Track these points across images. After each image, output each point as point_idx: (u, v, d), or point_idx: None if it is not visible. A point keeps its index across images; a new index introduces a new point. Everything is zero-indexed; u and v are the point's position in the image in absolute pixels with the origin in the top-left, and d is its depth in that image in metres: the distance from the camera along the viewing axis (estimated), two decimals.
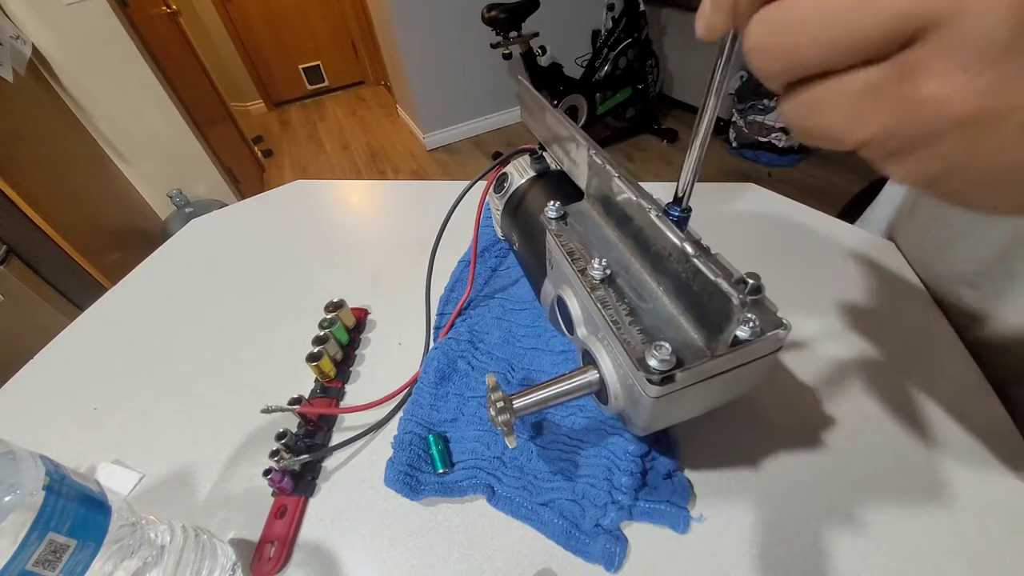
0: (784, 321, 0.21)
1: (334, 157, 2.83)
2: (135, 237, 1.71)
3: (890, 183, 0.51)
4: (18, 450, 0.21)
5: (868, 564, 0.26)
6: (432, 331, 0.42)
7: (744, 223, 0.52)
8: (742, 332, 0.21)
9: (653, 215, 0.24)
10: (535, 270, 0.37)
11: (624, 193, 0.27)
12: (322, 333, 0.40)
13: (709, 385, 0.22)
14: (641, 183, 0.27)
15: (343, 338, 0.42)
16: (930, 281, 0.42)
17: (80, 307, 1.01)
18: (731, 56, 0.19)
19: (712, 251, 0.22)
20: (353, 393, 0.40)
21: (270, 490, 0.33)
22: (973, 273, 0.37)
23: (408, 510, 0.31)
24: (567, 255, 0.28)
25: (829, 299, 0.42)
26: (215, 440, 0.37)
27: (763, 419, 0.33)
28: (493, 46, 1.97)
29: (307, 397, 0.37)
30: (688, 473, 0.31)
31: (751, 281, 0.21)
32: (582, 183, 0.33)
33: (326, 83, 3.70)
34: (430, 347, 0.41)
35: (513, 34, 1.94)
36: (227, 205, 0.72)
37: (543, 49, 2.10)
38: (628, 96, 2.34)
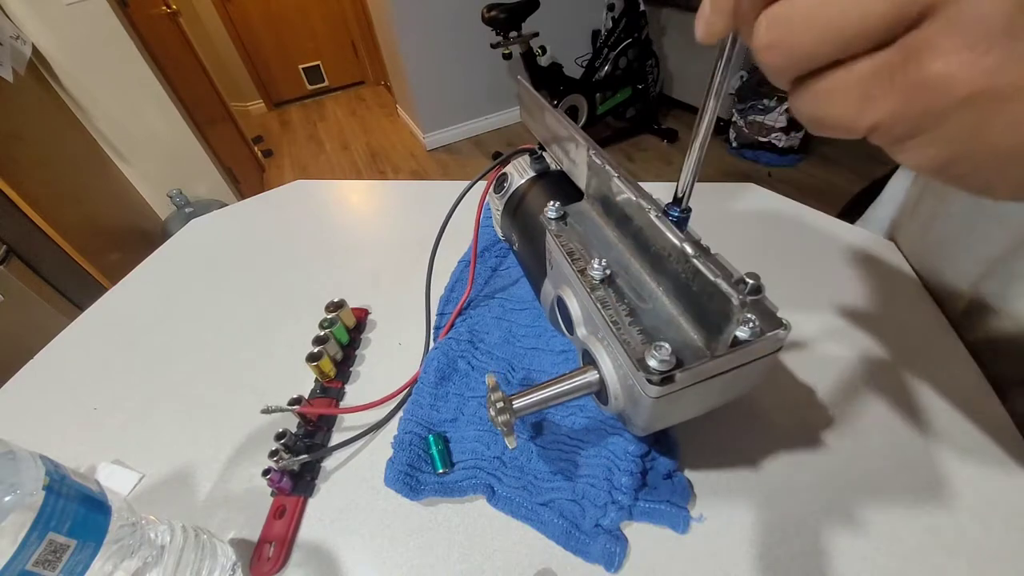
0: (784, 321, 0.21)
1: (334, 157, 2.83)
2: (135, 237, 1.71)
3: (892, 182, 0.51)
4: (18, 450, 0.21)
5: (868, 564, 0.26)
6: (432, 331, 0.42)
7: (744, 223, 0.52)
8: (742, 332, 0.21)
9: (653, 215, 0.24)
10: (535, 270, 0.37)
11: (624, 193, 0.27)
12: (322, 333, 0.40)
13: (709, 385, 0.22)
14: (641, 183, 0.27)
15: (343, 338, 0.42)
16: (931, 281, 0.42)
17: (80, 307, 1.01)
18: (731, 56, 0.19)
19: (712, 251, 0.22)
20: (353, 393, 0.39)
21: (269, 490, 0.33)
22: (974, 273, 0.37)
23: (408, 510, 0.31)
24: (567, 255, 0.28)
25: (829, 299, 0.42)
26: (215, 440, 0.37)
27: (763, 419, 0.33)
28: (493, 46, 1.97)
29: (307, 397, 0.37)
30: (688, 473, 0.31)
31: (751, 281, 0.21)
32: (582, 183, 0.33)
33: (326, 83, 3.70)
34: (430, 347, 0.41)
35: (513, 34, 1.94)
36: (227, 205, 0.72)
37: (543, 49, 2.10)
38: (628, 96, 2.34)
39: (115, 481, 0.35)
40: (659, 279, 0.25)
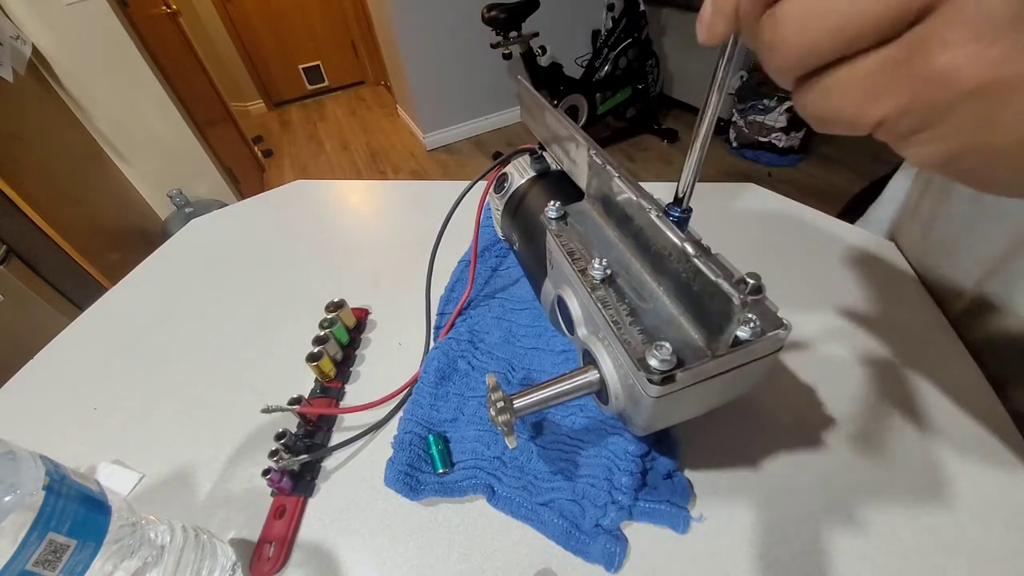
0: (785, 321, 0.21)
1: (334, 157, 2.83)
2: (135, 237, 1.71)
3: (892, 182, 0.51)
4: (18, 450, 0.21)
5: (868, 564, 0.26)
6: (432, 331, 0.42)
7: (744, 223, 0.52)
8: (743, 332, 0.21)
9: (653, 215, 0.24)
10: (535, 270, 0.37)
11: (624, 193, 0.27)
12: (322, 333, 0.40)
13: (709, 385, 0.22)
14: (641, 183, 0.27)
15: (343, 338, 0.42)
16: (931, 280, 0.42)
17: (80, 307, 1.01)
18: (732, 56, 0.19)
19: (712, 251, 0.22)
20: (353, 393, 0.39)
21: (269, 490, 0.33)
22: (977, 272, 0.37)
23: (408, 510, 0.31)
24: (567, 255, 0.28)
25: (829, 299, 0.42)
26: (215, 440, 0.37)
27: (763, 419, 0.33)
28: (493, 46, 1.97)
29: (307, 397, 0.37)
30: (688, 473, 0.31)
31: (751, 281, 0.21)
32: (582, 183, 0.33)
33: (326, 83, 3.70)
34: (430, 347, 0.41)
35: (513, 34, 1.94)
36: (227, 205, 0.72)
37: (543, 49, 2.10)
38: (628, 96, 2.34)
39: (115, 481, 0.35)
40: (660, 279, 0.25)
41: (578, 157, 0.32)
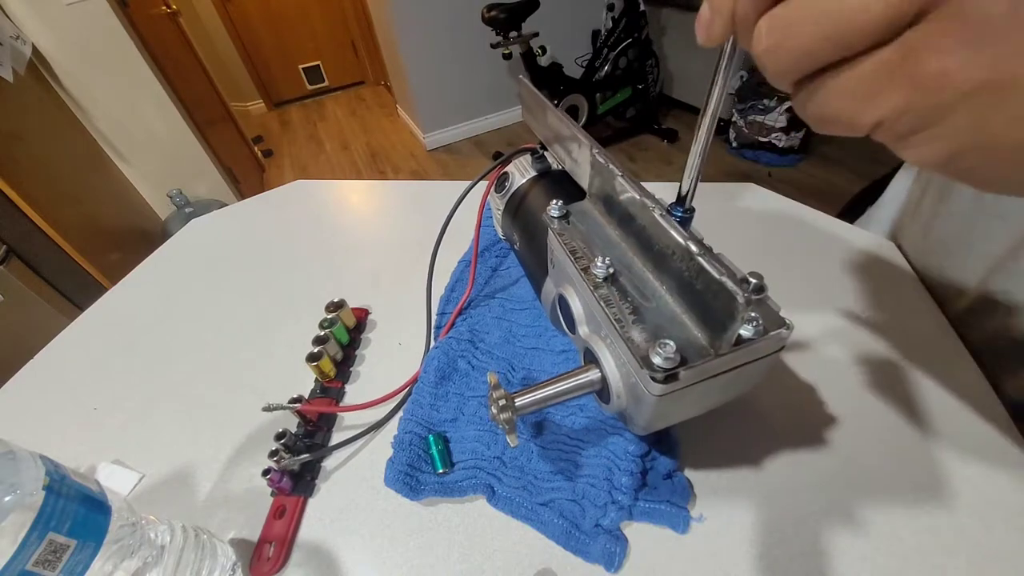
0: (787, 321, 0.21)
1: (334, 157, 2.83)
2: (135, 237, 1.71)
3: (893, 183, 0.51)
4: (18, 450, 0.21)
5: (868, 564, 0.26)
6: (433, 330, 0.42)
7: (744, 223, 0.52)
8: (745, 331, 0.21)
9: (657, 214, 0.24)
10: (536, 269, 0.37)
11: (627, 192, 0.27)
12: (322, 333, 0.40)
13: (712, 384, 0.22)
14: (642, 183, 0.27)
15: (343, 338, 0.42)
16: (932, 280, 0.42)
17: (80, 307, 1.01)
18: (732, 56, 0.19)
19: (714, 251, 0.22)
20: (353, 393, 0.39)
21: (269, 490, 0.33)
22: (980, 270, 0.37)
23: (408, 510, 0.31)
24: (570, 253, 0.28)
25: (829, 299, 0.42)
26: (215, 440, 0.37)
27: (763, 419, 0.33)
28: (493, 46, 1.98)
29: (307, 397, 0.37)
30: (688, 473, 0.31)
31: (754, 280, 0.21)
32: (584, 183, 0.33)
33: (326, 83, 3.70)
34: (431, 347, 0.41)
35: (513, 34, 1.94)
36: (227, 205, 0.72)
37: (543, 49, 2.10)
38: (628, 96, 2.34)
39: (115, 481, 0.35)
40: (662, 277, 0.25)
41: (580, 156, 0.32)
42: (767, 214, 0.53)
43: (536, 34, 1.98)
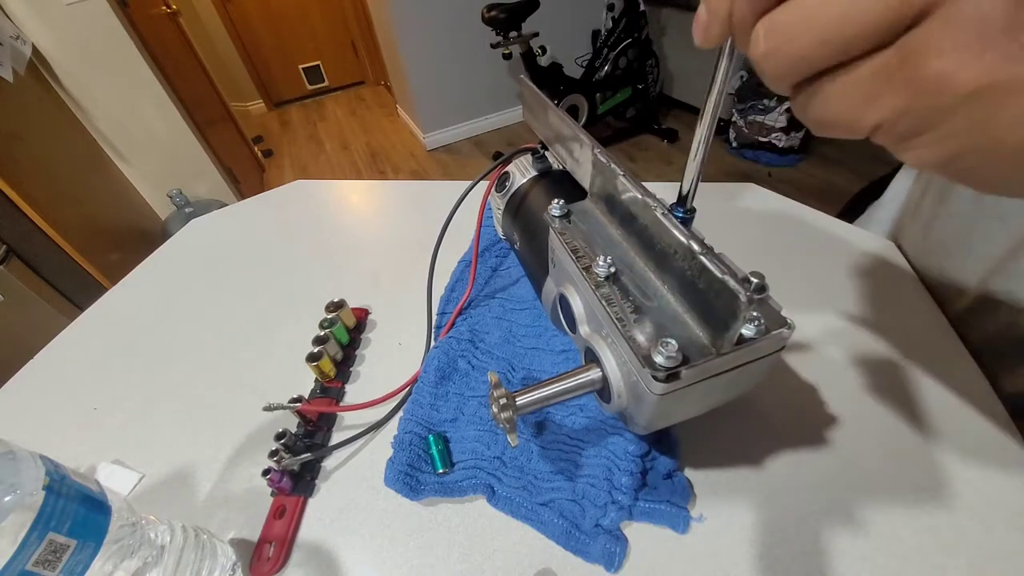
0: (788, 320, 0.21)
1: (334, 157, 2.83)
2: (135, 237, 1.71)
3: (894, 183, 0.51)
4: (18, 450, 0.21)
5: (868, 564, 0.26)
6: (433, 330, 0.42)
7: (744, 223, 0.52)
8: (747, 330, 0.21)
9: (659, 213, 0.24)
10: (537, 269, 0.37)
11: (629, 191, 0.27)
12: (322, 333, 0.40)
13: (713, 383, 0.22)
14: (643, 183, 0.27)
15: (343, 338, 0.42)
16: (932, 280, 0.42)
17: (80, 307, 1.01)
18: (732, 57, 0.19)
19: (716, 250, 0.22)
20: (353, 393, 0.39)
21: (269, 490, 0.33)
22: (981, 270, 0.37)
23: (408, 510, 0.31)
24: (571, 253, 0.28)
25: (829, 299, 0.42)
26: (215, 440, 0.37)
27: (763, 419, 0.33)
28: (493, 46, 1.98)
29: (307, 397, 0.37)
30: (688, 473, 0.31)
31: (755, 280, 0.21)
32: (585, 182, 0.33)
33: (326, 83, 3.70)
34: (431, 346, 0.41)
35: (513, 34, 1.94)
36: (227, 205, 0.72)
37: (543, 49, 2.10)
38: (628, 96, 2.34)
39: (115, 481, 0.35)
40: (664, 277, 0.25)
41: (581, 156, 0.32)
42: (767, 214, 0.53)
43: (536, 34, 1.98)
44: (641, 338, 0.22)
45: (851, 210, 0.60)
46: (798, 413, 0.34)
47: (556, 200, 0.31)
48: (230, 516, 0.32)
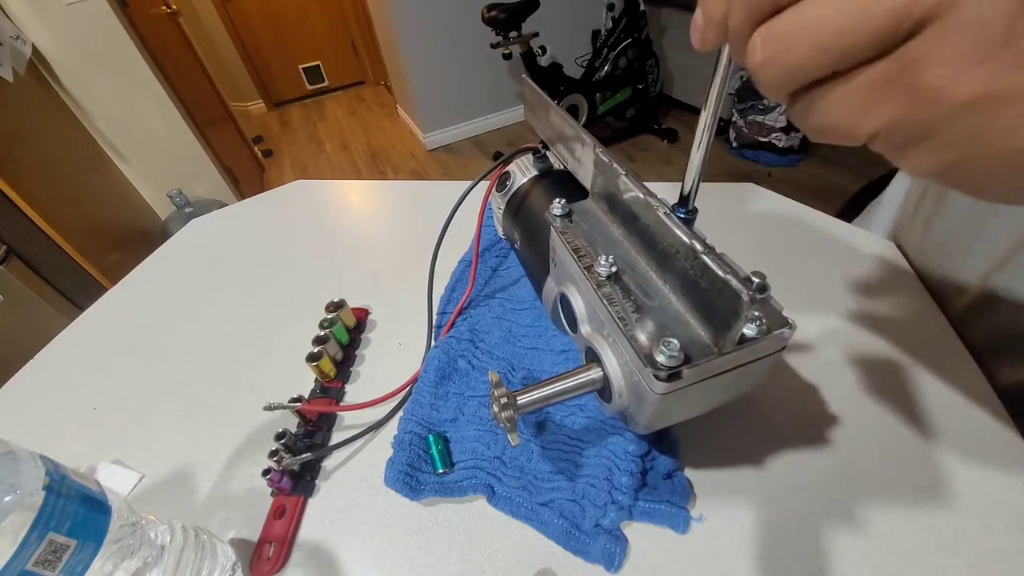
0: (789, 320, 0.21)
1: (334, 157, 2.83)
2: (135, 237, 1.71)
3: (894, 183, 0.51)
4: (18, 450, 0.21)
5: (868, 564, 0.26)
6: (434, 330, 0.42)
7: (744, 223, 0.52)
8: (749, 330, 0.21)
9: (661, 213, 0.24)
10: (537, 269, 0.37)
11: (631, 191, 0.27)
12: (322, 333, 0.40)
13: (714, 383, 0.22)
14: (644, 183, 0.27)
15: (343, 338, 0.42)
16: (932, 279, 0.42)
17: (80, 307, 1.01)
18: (731, 57, 0.19)
19: (717, 251, 0.22)
20: (353, 393, 0.39)
21: (269, 490, 0.33)
22: (982, 267, 0.37)
23: (408, 510, 0.31)
24: (572, 252, 0.28)
25: (829, 299, 0.42)
26: (215, 440, 0.37)
27: (764, 419, 0.33)
28: (493, 46, 1.98)
29: (307, 397, 0.37)
30: (688, 473, 0.31)
31: (757, 280, 0.21)
32: (587, 182, 0.33)
33: (326, 83, 3.70)
34: (431, 346, 0.41)
35: (513, 34, 1.94)
36: (227, 205, 0.72)
37: (543, 49, 2.10)
38: (628, 96, 2.34)
39: (115, 481, 0.35)
40: (665, 276, 0.25)
41: (583, 156, 0.32)
42: (767, 214, 0.53)
43: (536, 34, 1.98)
44: (643, 337, 0.22)
45: (849, 209, 0.60)
46: (798, 413, 0.34)
47: (557, 200, 0.31)
48: (230, 516, 0.32)
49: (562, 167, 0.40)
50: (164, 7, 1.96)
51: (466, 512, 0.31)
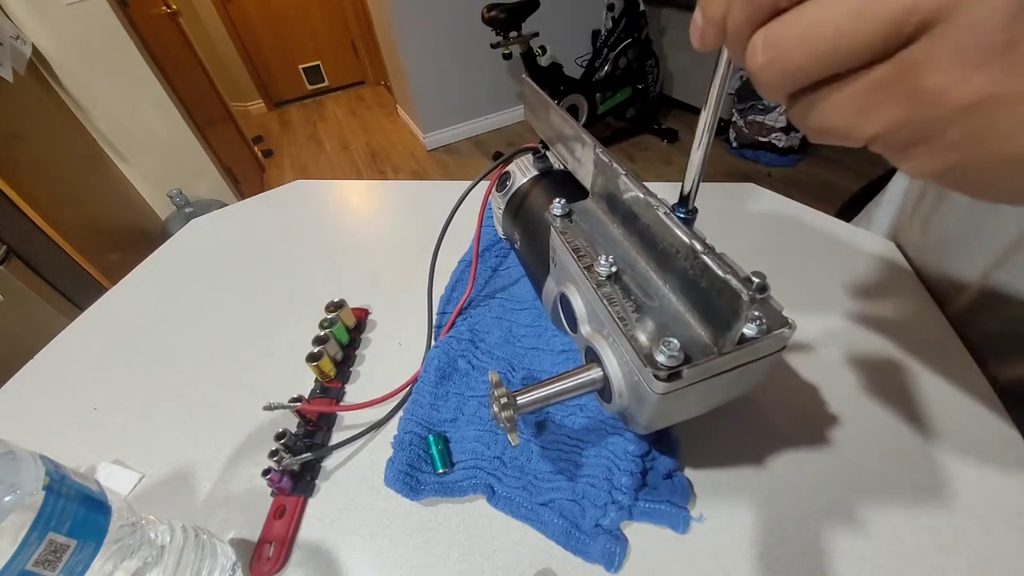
0: (789, 320, 0.21)
1: (334, 157, 2.83)
2: (135, 237, 1.71)
3: (893, 182, 0.51)
4: (18, 450, 0.21)
5: (868, 564, 0.26)
6: (434, 330, 0.42)
7: (744, 223, 0.52)
8: (749, 330, 0.21)
9: (661, 213, 0.24)
10: (537, 269, 0.37)
11: (631, 191, 0.27)
12: (322, 333, 0.40)
13: (714, 382, 0.22)
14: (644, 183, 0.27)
15: (343, 338, 0.42)
16: (932, 279, 0.42)
17: (80, 307, 1.01)
18: (731, 57, 0.19)
19: (717, 250, 0.22)
20: (353, 393, 0.39)
21: (269, 490, 0.33)
22: (982, 265, 0.37)
23: (408, 510, 0.31)
24: (572, 252, 0.28)
25: (829, 299, 0.42)
26: (215, 440, 0.37)
27: (764, 419, 0.33)
28: (493, 46, 1.98)
29: (307, 397, 0.37)
30: (688, 472, 0.31)
31: (757, 280, 0.21)
32: (587, 182, 0.33)
33: (326, 83, 3.70)
34: (431, 346, 0.41)
35: (513, 34, 1.94)
36: (227, 205, 0.72)
37: (543, 49, 2.10)
38: (628, 96, 2.34)
39: (115, 481, 0.35)
40: (665, 276, 0.25)
41: (583, 156, 0.32)
42: (767, 214, 0.53)
43: (536, 34, 1.98)
44: (643, 337, 0.22)
45: (849, 209, 0.60)
46: (798, 413, 0.34)
47: (557, 199, 0.31)
48: (230, 516, 0.32)
49: (562, 167, 0.40)
50: (164, 7, 1.96)
51: (466, 512, 0.31)
